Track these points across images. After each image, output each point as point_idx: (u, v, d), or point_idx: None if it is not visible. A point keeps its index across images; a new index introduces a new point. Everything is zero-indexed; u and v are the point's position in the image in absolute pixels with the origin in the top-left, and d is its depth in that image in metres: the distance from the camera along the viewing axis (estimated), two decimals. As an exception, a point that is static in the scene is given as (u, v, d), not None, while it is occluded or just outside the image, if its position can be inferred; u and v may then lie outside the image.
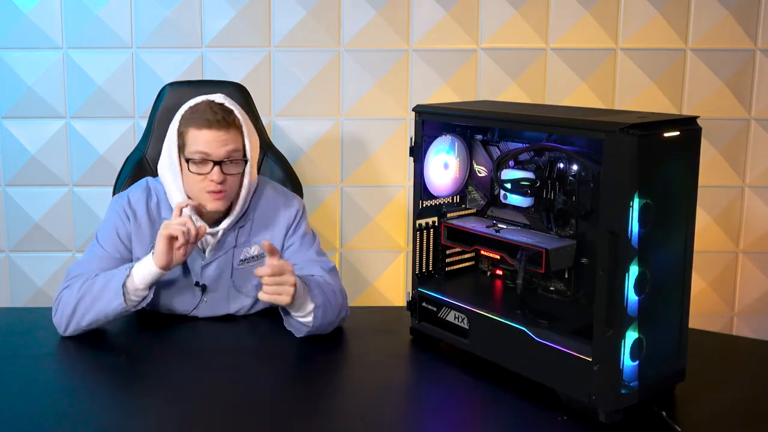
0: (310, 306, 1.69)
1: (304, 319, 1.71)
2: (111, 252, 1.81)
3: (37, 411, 1.43)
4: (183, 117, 1.76)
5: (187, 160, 1.74)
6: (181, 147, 1.76)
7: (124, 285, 1.69)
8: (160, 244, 1.68)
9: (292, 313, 1.72)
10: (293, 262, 1.87)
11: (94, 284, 1.72)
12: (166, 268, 1.70)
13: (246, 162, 1.78)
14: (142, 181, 1.90)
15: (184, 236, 1.68)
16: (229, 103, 1.78)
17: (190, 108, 1.76)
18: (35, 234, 2.86)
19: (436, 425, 1.42)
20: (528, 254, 1.53)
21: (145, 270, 1.70)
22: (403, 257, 2.92)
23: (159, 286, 1.84)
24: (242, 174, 1.79)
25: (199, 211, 1.80)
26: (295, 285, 1.64)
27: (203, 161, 1.73)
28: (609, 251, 1.32)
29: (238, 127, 1.76)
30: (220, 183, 1.73)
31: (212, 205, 1.77)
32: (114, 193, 2.16)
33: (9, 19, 2.74)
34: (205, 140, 1.72)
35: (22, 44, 2.75)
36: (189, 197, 1.78)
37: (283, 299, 1.65)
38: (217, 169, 1.72)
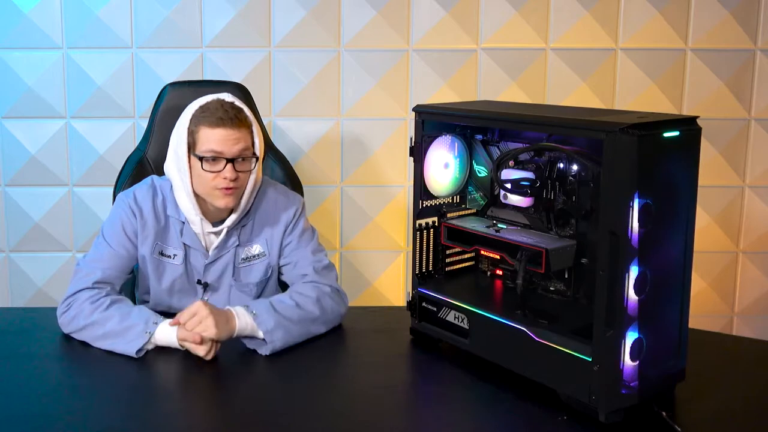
0: (260, 333, 1.67)
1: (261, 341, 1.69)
2: (117, 249, 1.81)
3: (37, 411, 1.43)
4: (194, 116, 1.76)
5: (201, 159, 1.73)
6: (192, 145, 1.76)
7: (141, 348, 1.65)
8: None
9: (245, 341, 1.70)
10: (289, 259, 1.89)
11: (108, 319, 1.68)
12: None
13: (256, 159, 1.79)
14: (148, 179, 1.90)
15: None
16: (238, 102, 1.79)
17: (201, 107, 1.76)
18: (35, 234, 2.87)
19: (436, 425, 1.42)
20: (528, 254, 1.53)
21: (165, 336, 1.67)
22: (403, 257, 2.92)
23: (161, 285, 1.86)
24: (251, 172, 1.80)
25: (203, 209, 1.81)
26: (212, 315, 1.62)
27: (216, 159, 1.73)
28: (609, 251, 1.32)
29: (248, 126, 1.77)
30: (233, 180, 1.74)
31: (223, 201, 1.77)
32: (114, 194, 2.17)
33: (9, 19, 2.74)
34: (218, 138, 1.72)
35: (22, 44, 2.76)
36: (196, 195, 1.78)
37: (209, 331, 1.62)
38: (230, 166, 1.73)
